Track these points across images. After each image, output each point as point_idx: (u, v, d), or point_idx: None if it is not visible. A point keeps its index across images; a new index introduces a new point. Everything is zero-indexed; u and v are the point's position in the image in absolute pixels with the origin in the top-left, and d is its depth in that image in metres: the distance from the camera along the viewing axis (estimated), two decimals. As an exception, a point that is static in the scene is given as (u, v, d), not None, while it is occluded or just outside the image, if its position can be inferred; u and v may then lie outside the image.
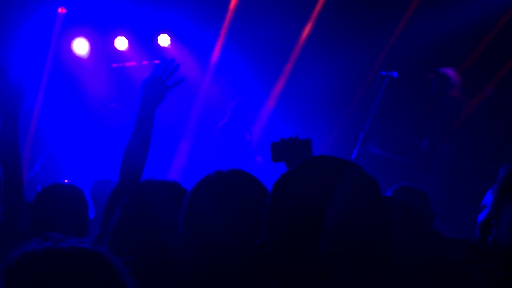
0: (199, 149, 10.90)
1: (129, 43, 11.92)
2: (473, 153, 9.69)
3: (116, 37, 11.86)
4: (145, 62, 11.98)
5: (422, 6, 10.89)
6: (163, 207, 2.89)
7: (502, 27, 10.51)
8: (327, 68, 11.52)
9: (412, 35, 10.85)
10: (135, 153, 3.79)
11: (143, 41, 11.94)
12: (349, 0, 11.32)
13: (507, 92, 10.21)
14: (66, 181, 4.81)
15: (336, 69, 11.37)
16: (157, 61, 11.06)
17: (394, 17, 11.07)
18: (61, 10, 11.54)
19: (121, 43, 11.91)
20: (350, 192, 1.82)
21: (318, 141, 10.17)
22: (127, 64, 12.12)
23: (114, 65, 12.27)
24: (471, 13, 10.56)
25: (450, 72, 9.93)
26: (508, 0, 10.43)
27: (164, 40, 11.87)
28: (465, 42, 10.63)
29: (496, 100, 10.09)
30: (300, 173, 1.90)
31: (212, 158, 10.06)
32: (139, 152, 3.78)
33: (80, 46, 11.95)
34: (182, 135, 11.60)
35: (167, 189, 3.03)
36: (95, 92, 12.09)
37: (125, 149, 3.84)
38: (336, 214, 1.75)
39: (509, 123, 10.13)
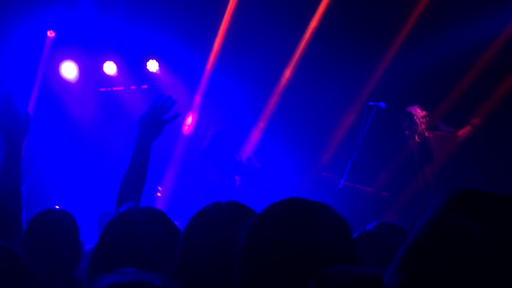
0: (184, 177, 10.98)
1: (118, 68, 11.94)
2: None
3: (105, 61, 11.89)
4: (132, 87, 12.02)
5: (410, 38, 11.06)
6: (146, 235, 2.77)
7: (488, 59, 10.68)
8: (317, 95, 11.61)
9: (400, 66, 11.03)
10: (131, 185, 3.80)
11: (132, 66, 11.94)
12: (340, 30, 11.42)
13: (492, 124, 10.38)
14: (57, 207, 4.65)
15: (325, 96, 11.48)
16: (145, 86, 11.54)
17: (383, 47, 11.26)
18: (50, 33, 11.58)
19: (109, 67, 11.92)
20: (323, 235, 1.95)
21: (307, 165, 11.20)
22: (115, 88, 12.15)
23: (102, 89, 12.30)
24: (458, 45, 10.70)
25: (414, 109, 10.01)
26: (492, 35, 10.59)
27: (152, 65, 11.88)
28: (453, 73, 10.79)
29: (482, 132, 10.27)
30: (272, 217, 2.02)
31: (196, 184, 10.18)
32: (135, 185, 3.79)
33: (69, 70, 11.96)
34: (169, 161, 11.66)
35: (149, 217, 2.89)
36: (82, 116, 12.06)
37: (121, 182, 3.84)
38: (310, 257, 1.88)
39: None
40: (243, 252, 1.98)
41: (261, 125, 11.70)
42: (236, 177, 10.41)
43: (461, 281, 1.36)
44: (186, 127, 11.53)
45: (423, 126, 9.95)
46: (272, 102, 11.78)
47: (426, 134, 10.00)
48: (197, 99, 11.84)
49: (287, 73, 11.78)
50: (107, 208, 8.05)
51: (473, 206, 1.43)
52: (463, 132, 10.13)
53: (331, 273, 1.63)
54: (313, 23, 11.55)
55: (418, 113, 9.94)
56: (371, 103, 9.36)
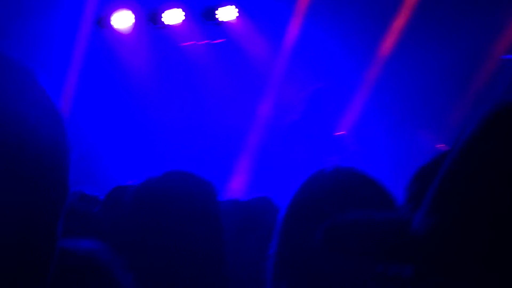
0: (269, 148, 10.18)
1: (184, 17, 11.12)
2: None
3: (166, 9, 11.13)
4: (202, 42, 11.29)
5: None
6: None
7: None
8: (433, 51, 10.37)
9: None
10: None
11: (201, 14, 11.14)
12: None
13: None
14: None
15: (444, 52, 10.23)
16: (218, 41, 10.85)
17: None
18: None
19: (172, 16, 11.09)
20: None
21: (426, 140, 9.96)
22: (181, 44, 11.37)
23: (163, 43, 11.51)
24: None
25: None
26: None
27: (228, 13, 10.94)
28: None
29: None
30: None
31: (285, 159, 9.34)
32: None
33: (122, 20, 11.22)
34: (249, 130, 10.92)
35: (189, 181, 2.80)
36: (139, 76, 11.39)
37: None
38: None
39: None
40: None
41: (360, 94, 10.70)
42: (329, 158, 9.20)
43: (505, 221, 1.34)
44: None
45: None
46: (378, 60, 10.65)
47: None
48: (283, 57, 10.84)
49: (399, 19, 10.50)
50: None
51: None
52: None
53: (346, 220, 1.64)
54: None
55: None
56: (508, 56, 8.88)
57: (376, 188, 2.27)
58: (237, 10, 10.89)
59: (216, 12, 10.91)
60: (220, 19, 10.94)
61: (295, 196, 2.26)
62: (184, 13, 11.02)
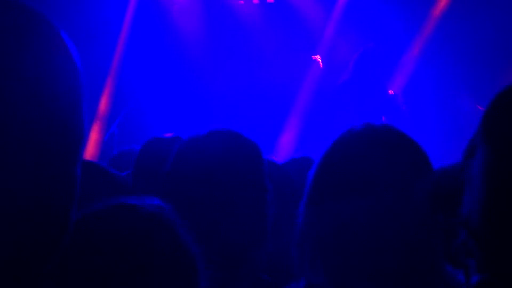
0: (319, 109, 9.72)
1: None
2: None
3: None
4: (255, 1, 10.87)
5: None
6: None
7: None
8: (488, 15, 9.83)
9: None
10: None
11: None
12: None
13: None
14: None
15: (499, 16, 9.74)
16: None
17: None
18: None
19: None
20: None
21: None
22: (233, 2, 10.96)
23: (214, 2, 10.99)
24: None
25: None
26: None
27: None
28: None
29: None
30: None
31: (335, 120, 9.00)
32: None
33: None
34: (300, 91, 10.47)
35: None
36: (188, 33, 10.92)
37: None
38: None
39: None
40: None
41: (413, 53, 10.26)
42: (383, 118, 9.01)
43: None
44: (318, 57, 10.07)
45: None
46: (431, 20, 10.21)
47: None
48: (335, 17, 10.43)
49: None
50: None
51: None
52: None
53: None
54: None
55: None
56: None
57: (410, 147, 2.07)
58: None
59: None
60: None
61: (324, 157, 2.06)
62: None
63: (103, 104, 10.36)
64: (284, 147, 9.96)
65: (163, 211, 1.69)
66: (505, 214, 1.32)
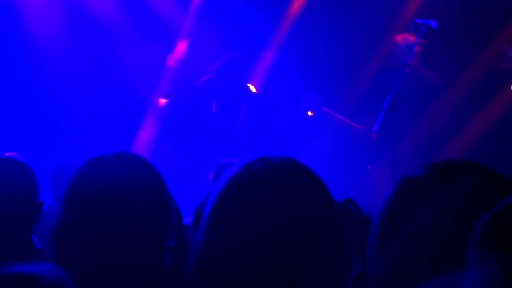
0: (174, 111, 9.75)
1: None
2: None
3: None
4: None
5: None
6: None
7: None
8: (344, 15, 10.24)
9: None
10: None
11: None
12: None
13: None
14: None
15: (352, 16, 10.06)
16: None
17: None
18: None
19: None
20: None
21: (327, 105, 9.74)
22: None
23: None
24: None
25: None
26: None
27: None
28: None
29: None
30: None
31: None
32: None
33: None
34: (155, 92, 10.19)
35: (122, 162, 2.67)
36: (43, 32, 10.35)
37: None
38: None
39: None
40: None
41: (269, 54, 10.39)
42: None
43: None
44: (175, 56, 10.12)
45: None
46: (285, 26, 10.40)
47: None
48: (190, 17, 10.38)
49: None
50: (64, 160, 7.17)
51: None
52: None
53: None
54: None
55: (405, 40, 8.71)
56: (419, 21, 8.15)
57: (308, 180, 2.07)
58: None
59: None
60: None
61: (221, 193, 2.03)
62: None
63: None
64: (142, 145, 9.80)
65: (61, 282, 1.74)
66: None
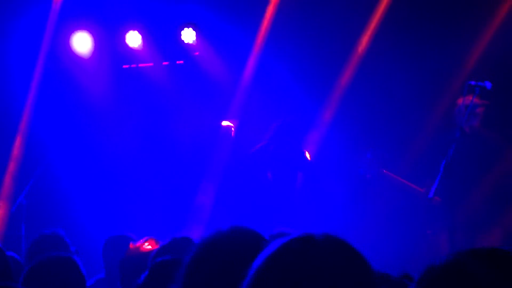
0: (229, 179, 10.00)
1: (144, 39, 10.71)
2: None
3: (127, 31, 10.68)
4: (165, 63, 10.89)
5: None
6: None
7: None
8: (395, 78, 10.12)
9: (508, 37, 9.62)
10: None
11: (162, 36, 10.75)
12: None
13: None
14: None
15: (407, 78, 10.01)
16: (179, 62, 10.47)
17: (484, 15, 9.83)
18: (57, -2, 10.36)
19: (133, 38, 10.69)
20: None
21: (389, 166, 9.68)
22: (141, 65, 10.97)
23: (125, 66, 11.06)
24: None
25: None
26: None
27: (188, 35, 10.53)
28: None
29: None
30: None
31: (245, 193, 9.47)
32: None
33: (81, 42, 10.74)
34: (206, 159, 10.43)
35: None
36: (98, 99, 10.84)
37: None
38: None
39: None
40: None
41: (325, 118, 10.39)
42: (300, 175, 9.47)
43: None
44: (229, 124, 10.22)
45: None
46: (338, 89, 10.33)
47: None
48: (245, 79, 10.45)
49: (360, 48, 10.25)
50: (115, 231, 7.03)
51: None
52: None
53: None
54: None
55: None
56: (473, 83, 8.12)
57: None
58: (194, 33, 10.53)
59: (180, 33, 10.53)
60: (183, 40, 10.54)
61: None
62: (142, 35, 10.70)
63: (9, 171, 10.13)
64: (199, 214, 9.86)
65: None
66: None
